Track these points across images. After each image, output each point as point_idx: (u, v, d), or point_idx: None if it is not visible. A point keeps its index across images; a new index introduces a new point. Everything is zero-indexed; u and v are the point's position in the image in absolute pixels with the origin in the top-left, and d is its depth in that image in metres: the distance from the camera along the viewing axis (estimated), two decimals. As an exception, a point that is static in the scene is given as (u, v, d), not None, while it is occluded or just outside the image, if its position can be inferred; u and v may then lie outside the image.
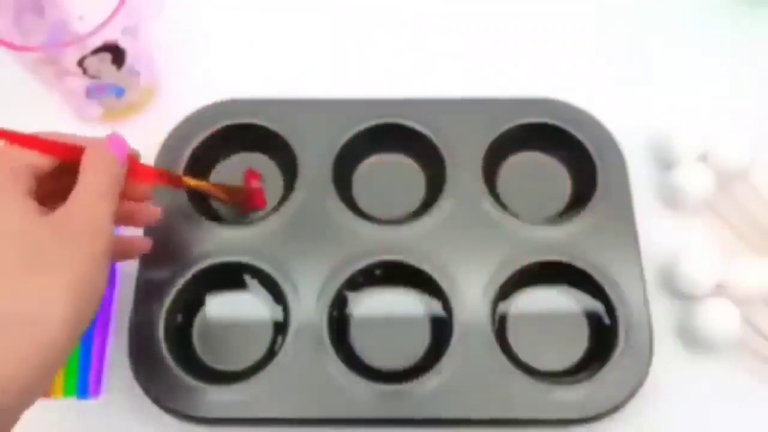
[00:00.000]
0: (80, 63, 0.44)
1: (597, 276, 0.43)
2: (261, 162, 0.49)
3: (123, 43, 0.45)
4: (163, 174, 0.43)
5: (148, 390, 0.41)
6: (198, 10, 0.57)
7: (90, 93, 0.48)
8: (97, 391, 0.43)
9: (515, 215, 0.46)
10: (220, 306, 0.45)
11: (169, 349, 0.41)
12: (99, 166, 0.33)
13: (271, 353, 0.42)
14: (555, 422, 0.40)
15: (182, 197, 0.46)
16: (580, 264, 0.43)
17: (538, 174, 0.49)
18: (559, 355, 0.43)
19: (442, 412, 0.40)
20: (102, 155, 0.34)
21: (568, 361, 0.43)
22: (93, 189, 0.33)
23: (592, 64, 0.54)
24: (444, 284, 0.43)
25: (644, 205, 0.47)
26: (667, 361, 0.43)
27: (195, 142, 0.48)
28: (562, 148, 0.48)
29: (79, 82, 0.46)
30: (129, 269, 0.44)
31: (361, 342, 0.43)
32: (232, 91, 0.52)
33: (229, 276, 0.44)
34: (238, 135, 0.49)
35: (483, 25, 0.56)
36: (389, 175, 0.49)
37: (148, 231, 0.43)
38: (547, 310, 0.44)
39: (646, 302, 0.42)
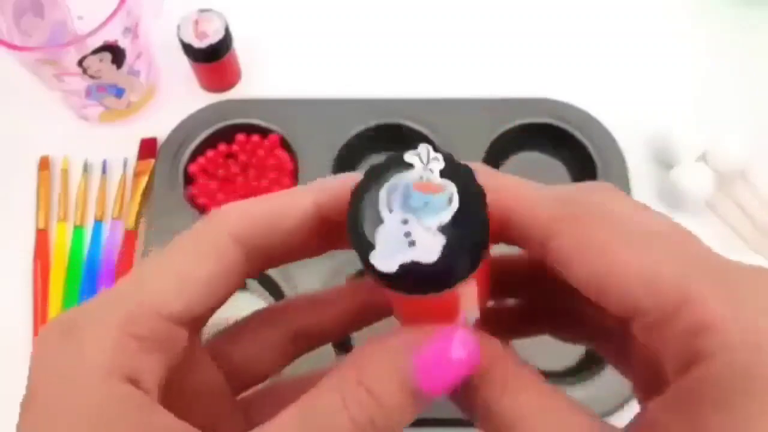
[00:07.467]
0: (80, 63, 0.44)
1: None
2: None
3: (123, 43, 0.45)
4: None
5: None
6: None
7: (90, 93, 0.48)
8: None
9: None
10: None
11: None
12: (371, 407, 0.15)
13: (271, 353, 0.42)
14: (555, 422, 0.40)
15: (181, 196, 0.46)
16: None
17: (538, 174, 0.48)
18: (559, 355, 0.43)
19: (442, 412, 0.40)
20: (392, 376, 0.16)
21: (568, 361, 0.43)
22: None
23: (592, 64, 0.54)
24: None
25: (644, 205, 0.47)
26: (667, 360, 0.43)
27: (195, 142, 0.48)
28: (562, 148, 0.48)
29: (79, 82, 0.46)
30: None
31: (361, 342, 0.43)
32: (232, 91, 0.52)
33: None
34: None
35: (483, 25, 0.56)
36: (389, 175, 0.49)
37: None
38: (547, 309, 0.44)
39: (646, 302, 0.42)
